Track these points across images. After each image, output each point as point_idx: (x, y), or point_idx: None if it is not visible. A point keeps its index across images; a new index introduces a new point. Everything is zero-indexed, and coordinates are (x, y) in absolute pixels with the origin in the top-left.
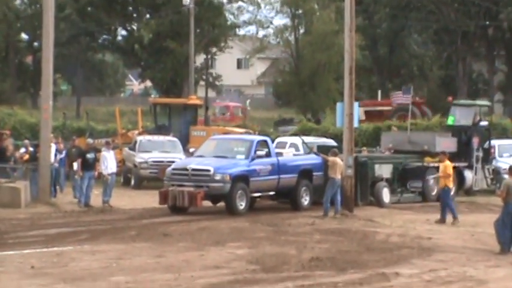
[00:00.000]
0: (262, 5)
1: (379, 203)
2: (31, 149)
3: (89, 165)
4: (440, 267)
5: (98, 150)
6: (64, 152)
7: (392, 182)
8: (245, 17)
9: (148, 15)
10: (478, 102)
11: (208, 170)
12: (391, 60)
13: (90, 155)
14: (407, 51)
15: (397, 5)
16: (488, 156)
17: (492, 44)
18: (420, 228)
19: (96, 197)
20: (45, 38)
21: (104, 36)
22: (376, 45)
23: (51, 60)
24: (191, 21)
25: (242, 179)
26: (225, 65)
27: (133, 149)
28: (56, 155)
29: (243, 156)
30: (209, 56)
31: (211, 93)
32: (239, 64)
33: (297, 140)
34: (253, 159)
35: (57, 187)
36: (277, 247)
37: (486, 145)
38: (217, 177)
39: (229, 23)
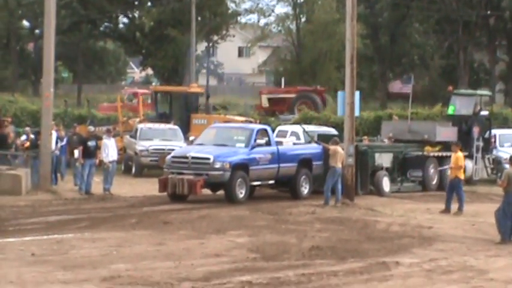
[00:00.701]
0: None
1: (379, 192)
2: (32, 136)
3: (90, 153)
4: (441, 256)
5: (99, 138)
6: (65, 140)
7: (393, 171)
8: (246, 5)
9: (149, 3)
10: (479, 92)
11: (208, 158)
12: (393, 49)
13: (91, 143)
14: (409, 40)
15: None
16: (488, 145)
17: (493, 34)
18: (421, 217)
19: (97, 185)
20: (47, 25)
21: (106, 23)
22: (377, 34)
23: (52, 48)
24: (192, 9)
25: (242, 167)
26: (227, 53)
27: (134, 136)
28: (56, 143)
29: (243, 145)
30: (210, 44)
31: (213, 81)
32: (240, 52)
33: (298, 128)
34: (253, 148)
35: (58, 174)
36: (277, 236)
37: (486, 135)
38: (217, 165)
39: (230, 11)
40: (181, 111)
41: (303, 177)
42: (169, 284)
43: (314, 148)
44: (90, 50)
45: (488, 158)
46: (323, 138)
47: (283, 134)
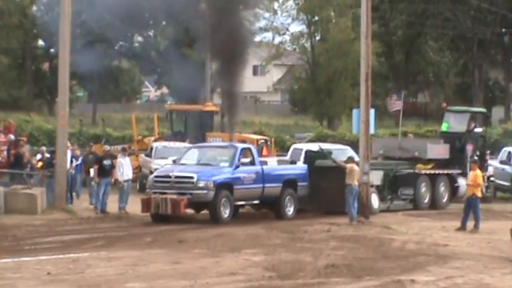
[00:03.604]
0: (279, 12)
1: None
2: (47, 155)
3: (105, 172)
4: (457, 274)
5: (114, 157)
6: (80, 159)
7: (383, 189)
8: (261, 23)
9: (164, 22)
10: (472, 108)
11: (191, 177)
12: (407, 66)
13: (106, 162)
14: (424, 58)
15: (413, 12)
16: (483, 163)
17: (508, 51)
18: (436, 235)
19: (112, 204)
20: (62, 44)
21: (121, 42)
22: (392, 52)
23: (67, 67)
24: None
25: (226, 186)
26: None
27: (149, 155)
28: (71, 162)
29: (227, 164)
30: None
31: None
32: (255, 71)
33: (314, 146)
34: (237, 167)
35: (74, 193)
36: (293, 254)
37: (478, 152)
38: (201, 184)
39: None
40: (197, 130)
41: (288, 197)
42: None
43: (299, 168)
44: (105, 69)
45: (483, 176)
46: (311, 155)
47: (298, 152)
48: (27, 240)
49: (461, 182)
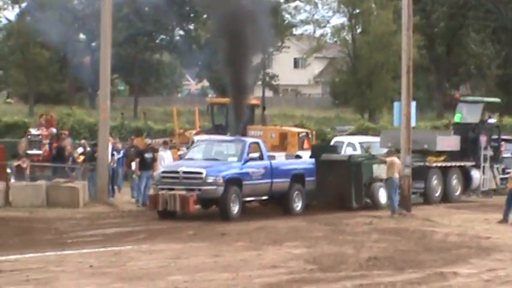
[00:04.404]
0: (320, 5)
1: (375, 204)
2: (88, 148)
3: (146, 165)
4: (499, 266)
5: (155, 150)
6: (122, 152)
7: None
8: (302, 16)
9: (205, 15)
10: (486, 99)
11: (200, 173)
12: (449, 59)
13: (148, 155)
14: (465, 50)
15: (454, 4)
16: (498, 154)
17: None
18: (478, 227)
19: None
20: (103, 38)
21: (162, 36)
22: (433, 45)
23: (108, 61)
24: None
25: (235, 182)
26: (282, 65)
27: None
28: (112, 155)
29: (235, 159)
30: (266, 56)
31: (269, 93)
32: (296, 64)
33: (354, 139)
34: (246, 162)
35: (115, 187)
36: (334, 246)
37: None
38: (210, 179)
39: (286, 22)
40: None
41: (296, 192)
42: None
43: (307, 163)
44: (146, 63)
45: (497, 168)
46: (317, 149)
47: (339, 145)
48: (70, 233)
49: (475, 173)
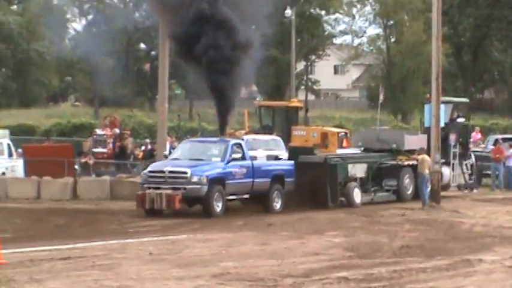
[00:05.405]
0: (357, 16)
1: (350, 203)
2: (149, 147)
3: None
4: None
5: None
6: None
7: (367, 182)
8: (341, 27)
9: (253, 26)
10: (455, 99)
11: (185, 172)
12: (474, 66)
13: None
14: (489, 57)
15: (479, 16)
16: (466, 151)
17: None
18: (502, 218)
19: None
20: (162, 47)
21: None
22: (460, 53)
23: (166, 67)
24: (292, 31)
25: (219, 181)
26: (323, 71)
27: None
28: (170, 153)
29: (218, 159)
30: (309, 63)
31: (311, 97)
32: (336, 70)
33: None
34: (229, 162)
35: None
36: (370, 236)
37: (463, 141)
38: (195, 179)
39: (326, 33)
40: (283, 124)
41: (276, 192)
42: (272, 279)
43: (287, 164)
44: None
45: (466, 164)
46: (294, 150)
47: None
48: (131, 223)
49: (445, 170)
